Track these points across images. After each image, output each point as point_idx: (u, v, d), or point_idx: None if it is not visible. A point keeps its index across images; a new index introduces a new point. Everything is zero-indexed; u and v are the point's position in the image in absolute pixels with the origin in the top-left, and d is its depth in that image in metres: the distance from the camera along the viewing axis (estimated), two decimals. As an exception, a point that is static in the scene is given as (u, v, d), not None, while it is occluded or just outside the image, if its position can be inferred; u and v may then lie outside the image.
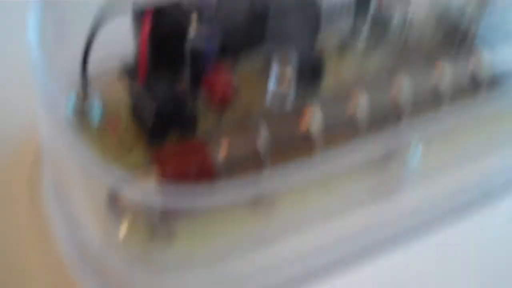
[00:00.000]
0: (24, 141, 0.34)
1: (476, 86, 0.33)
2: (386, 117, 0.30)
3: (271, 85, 0.29)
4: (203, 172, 0.27)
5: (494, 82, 0.33)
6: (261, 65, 0.33)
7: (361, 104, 0.30)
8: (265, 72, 0.31)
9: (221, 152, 0.27)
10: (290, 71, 0.29)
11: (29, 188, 0.33)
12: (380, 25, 0.35)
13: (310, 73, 0.31)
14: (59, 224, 0.31)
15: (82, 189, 0.28)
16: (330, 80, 0.32)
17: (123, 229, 0.26)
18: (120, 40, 0.33)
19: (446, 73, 0.32)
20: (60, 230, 0.30)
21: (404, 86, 0.31)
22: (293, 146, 0.29)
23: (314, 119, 0.29)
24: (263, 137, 0.28)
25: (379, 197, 0.31)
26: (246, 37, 0.33)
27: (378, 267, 0.31)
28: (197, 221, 0.27)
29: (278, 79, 0.29)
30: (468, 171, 0.33)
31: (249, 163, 0.28)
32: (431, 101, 0.32)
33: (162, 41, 0.31)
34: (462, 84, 0.32)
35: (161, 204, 0.24)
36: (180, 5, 0.33)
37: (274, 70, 0.29)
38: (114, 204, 0.25)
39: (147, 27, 0.30)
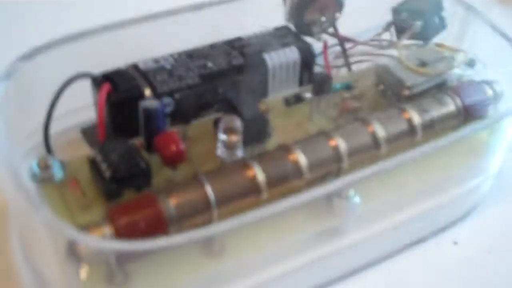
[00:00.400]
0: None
1: (412, 132, 0.36)
2: (327, 167, 0.33)
3: (220, 135, 0.32)
4: (155, 223, 0.29)
5: (430, 126, 0.36)
6: (214, 120, 0.36)
7: (302, 158, 0.33)
8: (215, 127, 0.34)
9: (172, 203, 0.29)
10: (237, 123, 0.32)
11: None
12: (323, 82, 0.38)
13: (256, 132, 0.34)
14: (25, 272, 0.33)
15: (44, 240, 0.29)
16: (276, 136, 0.35)
17: (82, 275, 0.28)
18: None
19: (381, 124, 0.35)
20: (26, 278, 0.32)
21: (341, 142, 0.34)
22: (240, 196, 0.31)
23: (258, 172, 0.31)
24: (211, 189, 0.30)
25: (324, 239, 0.33)
26: (198, 100, 0.36)
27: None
28: (153, 266, 0.29)
29: (226, 129, 0.32)
30: (408, 211, 0.36)
31: (199, 212, 0.30)
32: (370, 149, 0.35)
33: (119, 103, 0.34)
34: (398, 131, 0.36)
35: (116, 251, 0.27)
36: (137, 69, 0.36)
37: (223, 121, 0.32)
38: (73, 253, 0.27)
39: (104, 92, 0.33)
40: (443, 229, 0.38)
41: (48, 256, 0.30)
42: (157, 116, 0.32)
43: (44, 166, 0.32)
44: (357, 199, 0.33)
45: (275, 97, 0.39)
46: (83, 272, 0.28)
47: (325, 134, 0.34)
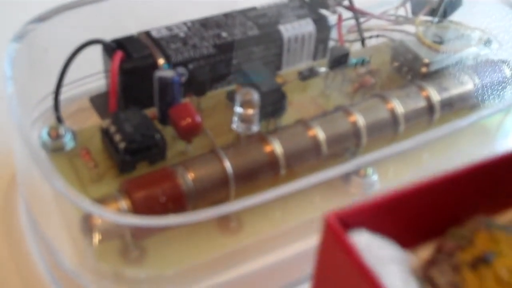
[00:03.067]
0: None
1: (431, 110, 0.35)
2: (346, 144, 0.33)
3: (237, 108, 0.31)
4: (173, 198, 0.28)
5: (448, 105, 0.35)
6: (228, 92, 0.35)
7: (320, 134, 0.32)
8: (232, 99, 0.33)
9: (190, 177, 0.28)
10: (254, 96, 0.30)
11: (3, 209, 0.33)
12: (341, 56, 0.36)
13: (273, 106, 0.33)
14: (34, 244, 0.31)
15: (55, 212, 0.29)
16: (290, 110, 0.34)
17: (96, 248, 0.27)
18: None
19: (400, 101, 0.34)
20: (34, 250, 0.31)
21: (360, 118, 0.33)
22: (258, 172, 0.30)
23: (277, 147, 0.30)
24: (229, 163, 0.29)
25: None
26: (212, 71, 0.35)
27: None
28: (168, 241, 0.28)
29: (243, 102, 0.31)
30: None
31: (217, 187, 0.29)
32: (389, 126, 0.34)
33: (132, 72, 0.32)
34: (417, 109, 0.35)
35: (132, 225, 0.26)
36: (150, 36, 0.34)
37: (240, 94, 0.31)
38: (87, 226, 0.26)
39: (117, 60, 0.32)
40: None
41: (60, 229, 0.29)
42: (173, 86, 0.31)
43: (55, 136, 0.31)
44: (375, 177, 0.32)
45: (288, 70, 0.38)
46: (97, 246, 0.27)
47: (344, 110, 0.33)
